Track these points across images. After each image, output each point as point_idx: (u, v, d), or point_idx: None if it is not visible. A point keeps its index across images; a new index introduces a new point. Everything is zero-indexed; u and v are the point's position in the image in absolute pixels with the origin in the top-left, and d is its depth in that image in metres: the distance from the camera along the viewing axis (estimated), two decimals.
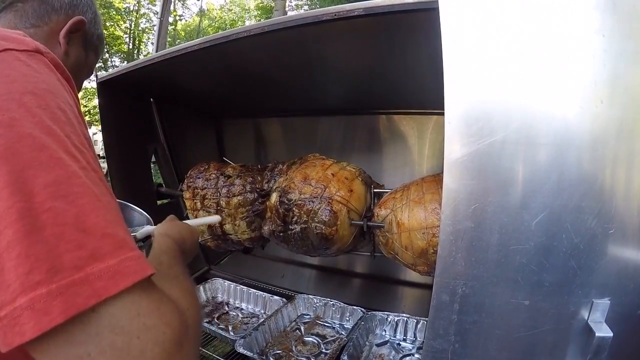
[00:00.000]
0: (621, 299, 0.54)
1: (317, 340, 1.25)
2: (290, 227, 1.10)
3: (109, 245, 0.31)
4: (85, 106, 11.48)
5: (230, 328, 1.37)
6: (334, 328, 1.32)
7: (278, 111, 1.72)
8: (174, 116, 1.66)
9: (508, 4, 0.54)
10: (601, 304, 0.54)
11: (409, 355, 1.15)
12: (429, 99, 1.26)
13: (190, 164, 1.45)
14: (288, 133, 1.79)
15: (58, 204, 0.30)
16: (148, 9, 14.44)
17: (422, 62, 0.95)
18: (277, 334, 1.28)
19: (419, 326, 1.21)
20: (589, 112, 0.52)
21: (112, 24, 13.14)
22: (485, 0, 0.54)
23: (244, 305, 1.53)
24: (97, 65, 1.06)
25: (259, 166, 1.39)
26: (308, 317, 1.40)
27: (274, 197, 1.17)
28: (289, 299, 1.42)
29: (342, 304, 1.36)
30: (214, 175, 1.36)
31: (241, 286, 1.56)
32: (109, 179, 1.33)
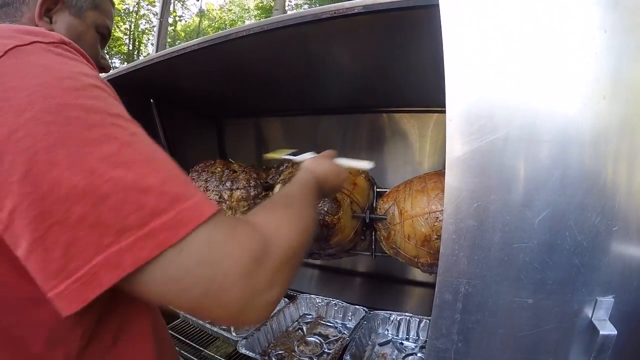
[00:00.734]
0: (625, 296, 0.54)
1: (320, 340, 1.25)
2: None
3: (166, 202, 0.35)
4: None
5: (232, 328, 1.37)
6: (336, 328, 1.32)
7: (278, 110, 1.72)
8: (174, 117, 1.66)
9: (510, 0, 0.53)
10: (605, 302, 0.54)
11: (411, 354, 1.15)
12: (430, 97, 1.25)
13: (191, 165, 1.45)
14: (289, 132, 1.79)
15: (116, 173, 0.34)
16: (148, 10, 14.46)
17: (423, 60, 0.94)
18: (280, 334, 1.28)
19: (421, 325, 1.21)
20: (591, 109, 0.51)
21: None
22: None
23: None
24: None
25: (264, 167, 1.40)
26: (310, 317, 1.39)
27: (278, 187, 1.17)
28: (291, 298, 1.42)
29: (344, 304, 1.36)
30: (219, 169, 1.37)
31: None
32: None
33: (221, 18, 17.90)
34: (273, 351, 1.19)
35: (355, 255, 1.27)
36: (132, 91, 1.42)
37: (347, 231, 1.08)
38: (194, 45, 1.01)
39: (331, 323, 1.34)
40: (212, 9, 18.15)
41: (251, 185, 1.28)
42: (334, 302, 1.37)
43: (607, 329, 0.52)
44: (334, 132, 1.62)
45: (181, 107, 1.69)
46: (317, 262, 1.67)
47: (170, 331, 1.12)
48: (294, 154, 1.02)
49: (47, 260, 0.33)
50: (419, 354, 1.14)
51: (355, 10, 0.73)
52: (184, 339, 1.30)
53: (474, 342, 0.59)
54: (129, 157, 0.36)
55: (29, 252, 0.33)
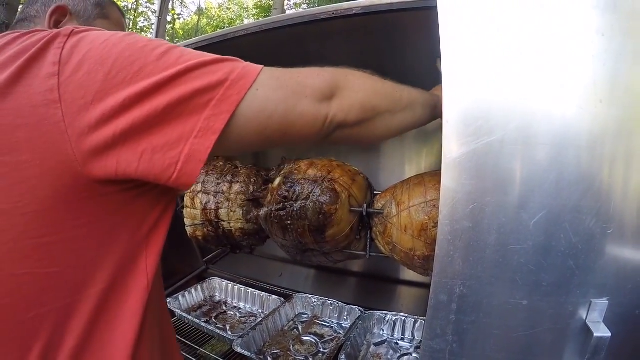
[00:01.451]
0: (619, 299, 0.54)
1: (315, 340, 1.25)
2: (288, 204, 1.09)
3: (231, 64, 0.48)
4: None
5: (228, 327, 1.37)
6: (331, 327, 1.32)
7: None
8: None
9: (508, 2, 0.53)
10: (599, 304, 0.54)
11: (406, 354, 1.15)
12: None
13: None
14: None
15: (191, 57, 0.47)
16: (146, 7, 14.38)
17: (420, 61, 0.94)
18: (275, 333, 1.28)
19: (417, 325, 1.21)
20: (588, 112, 0.52)
21: None
22: None
23: (241, 305, 1.53)
24: None
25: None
26: (306, 316, 1.39)
27: (278, 180, 1.17)
28: (287, 298, 1.42)
29: (340, 303, 1.36)
30: (221, 164, 1.37)
31: (239, 285, 1.56)
32: None
33: (220, 16, 17.85)
34: (268, 350, 1.19)
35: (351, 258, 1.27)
36: None
37: (343, 225, 1.08)
38: (191, 44, 1.01)
39: (327, 323, 1.34)
40: (211, 7, 18.10)
41: (251, 180, 1.28)
42: (329, 302, 1.37)
43: (601, 331, 0.52)
44: None
45: None
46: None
47: None
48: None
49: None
50: (414, 354, 1.15)
51: (354, 12, 0.73)
52: (179, 338, 1.30)
53: (469, 342, 0.59)
54: (194, 54, 0.47)
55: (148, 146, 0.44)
